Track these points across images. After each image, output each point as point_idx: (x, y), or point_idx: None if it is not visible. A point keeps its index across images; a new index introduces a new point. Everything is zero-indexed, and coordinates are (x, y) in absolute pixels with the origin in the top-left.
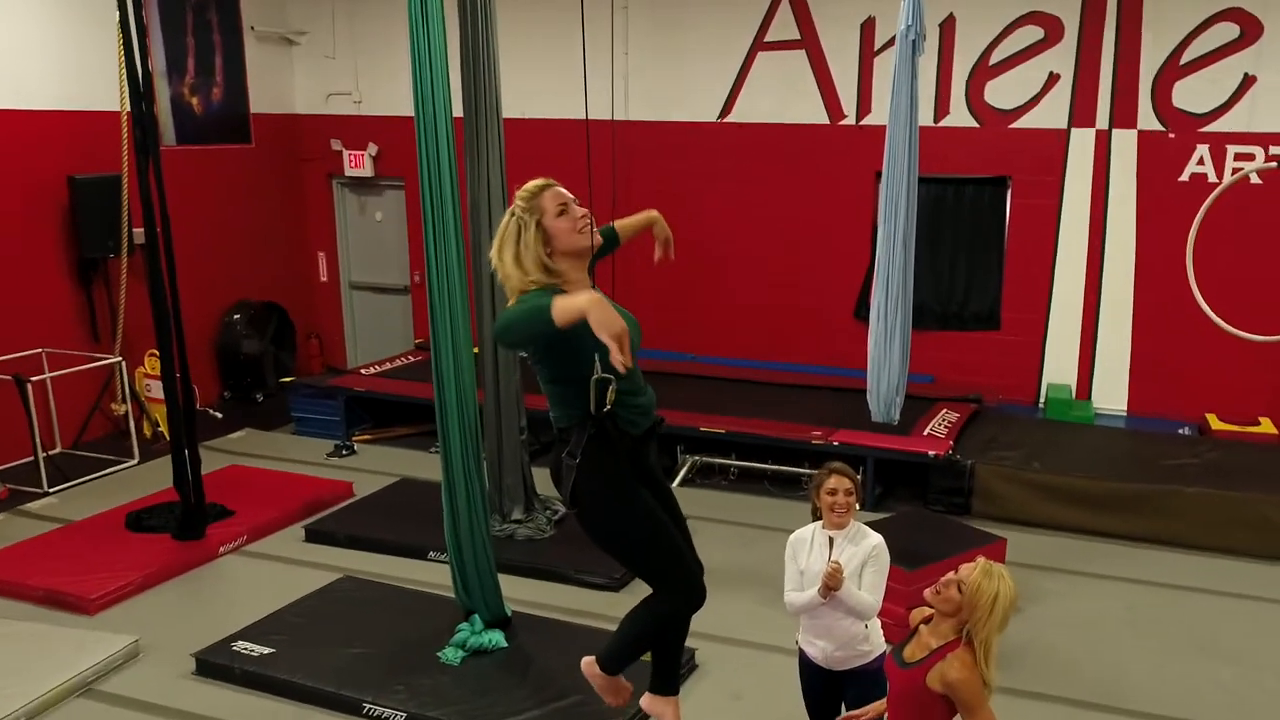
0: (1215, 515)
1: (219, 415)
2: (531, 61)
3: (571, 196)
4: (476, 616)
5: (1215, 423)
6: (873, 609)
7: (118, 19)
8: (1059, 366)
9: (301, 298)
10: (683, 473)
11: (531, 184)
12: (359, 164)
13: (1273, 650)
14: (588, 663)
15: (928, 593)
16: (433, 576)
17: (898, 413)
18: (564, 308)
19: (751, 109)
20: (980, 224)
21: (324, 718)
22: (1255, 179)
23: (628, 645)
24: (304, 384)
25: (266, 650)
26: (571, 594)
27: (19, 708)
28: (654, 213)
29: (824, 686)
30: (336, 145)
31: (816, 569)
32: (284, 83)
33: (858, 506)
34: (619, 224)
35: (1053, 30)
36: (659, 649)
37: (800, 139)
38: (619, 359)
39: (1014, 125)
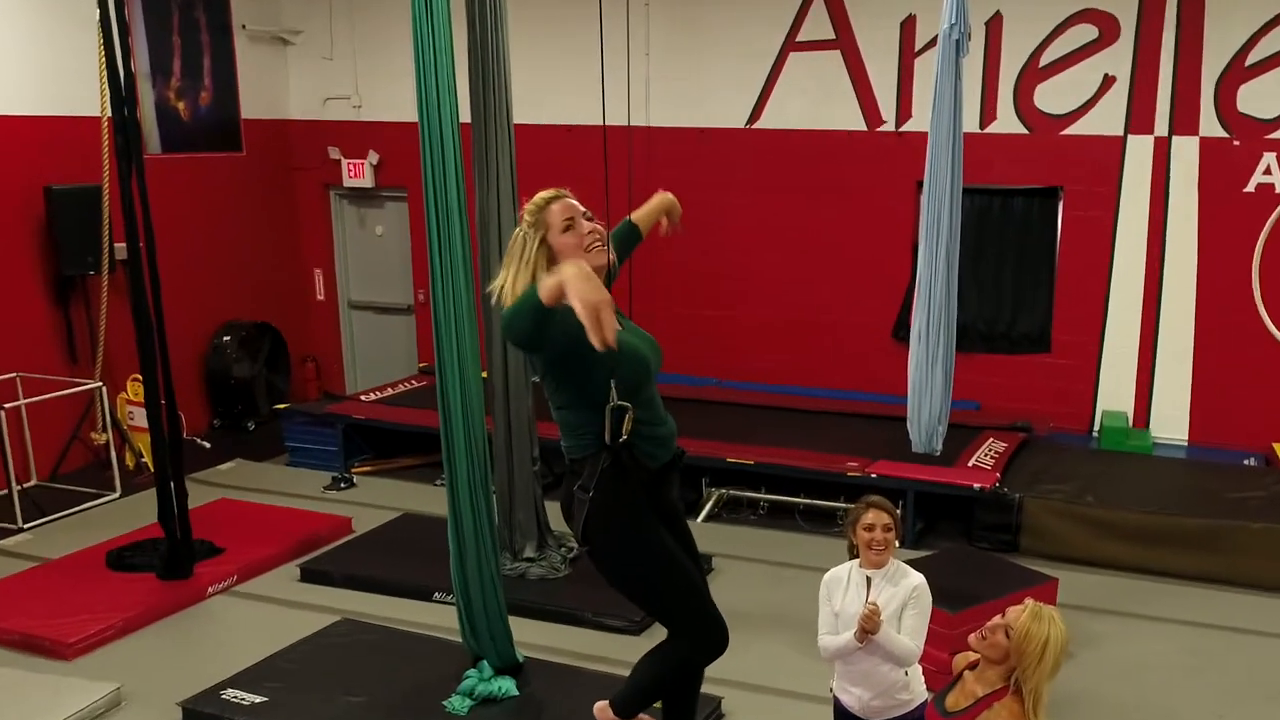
0: None
1: (207, 445)
2: (545, 62)
3: (582, 209)
4: (485, 662)
5: None
6: (913, 654)
7: (98, 17)
8: (1114, 392)
9: (296, 318)
10: (708, 507)
11: (540, 195)
12: (358, 173)
13: None
14: (600, 708)
15: (973, 638)
16: (438, 619)
17: (940, 442)
18: (548, 284)
19: (782, 114)
20: (1029, 238)
21: None
22: None
23: (642, 691)
24: (299, 411)
25: (258, 699)
26: (588, 638)
27: None
28: (668, 195)
29: None
30: (334, 153)
31: (852, 611)
32: (278, 86)
33: (897, 544)
34: (635, 215)
35: (1108, 29)
36: (673, 699)
37: (835, 146)
38: (596, 335)
39: (1066, 132)
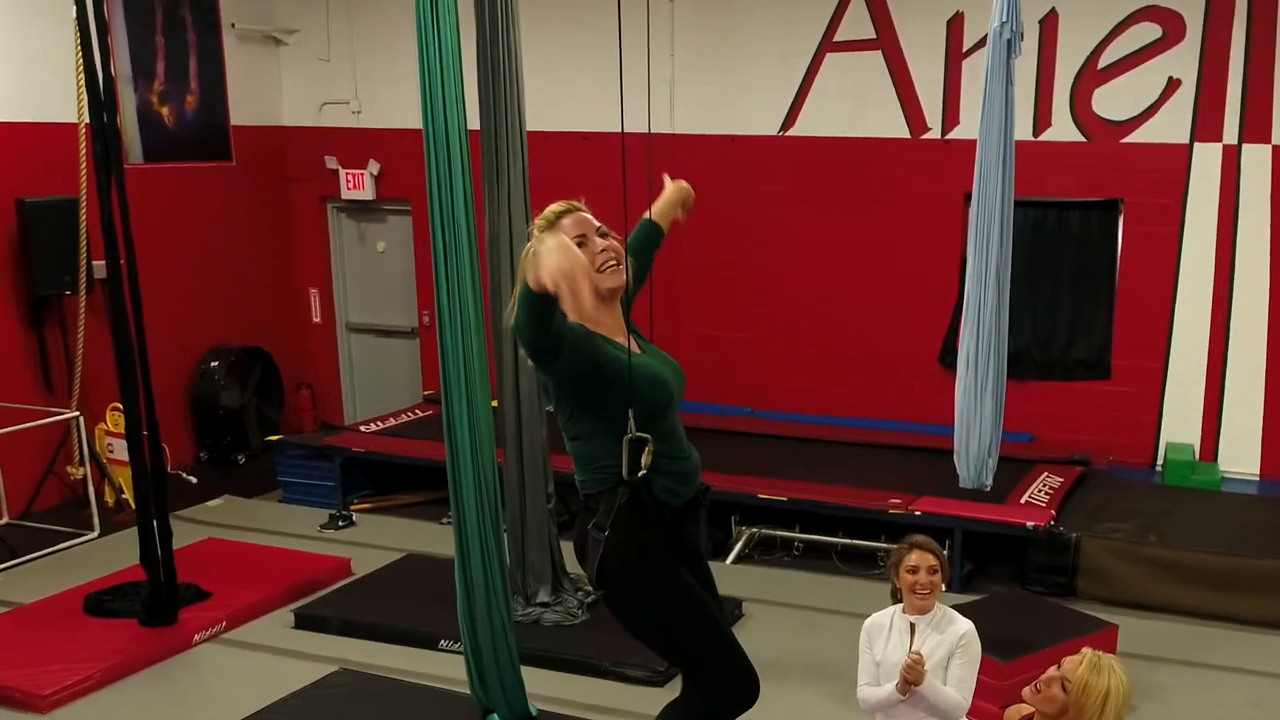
0: None
1: (193, 480)
2: (560, 64)
3: (596, 224)
4: (495, 716)
5: None
6: (960, 708)
7: (74, 15)
8: (1180, 423)
9: (290, 342)
10: (738, 547)
11: (551, 208)
12: (358, 185)
13: None
14: None
15: (1027, 691)
16: (444, 669)
17: (990, 477)
18: (531, 269)
19: (818, 120)
20: (1087, 255)
21: None
22: None
23: None
24: (293, 443)
25: None
26: (606, 689)
27: None
28: (682, 184)
29: None
30: (332, 163)
31: (895, 660)
32: (270, 89)
33: (943, 587)
34: (655, 211)
35: (1173, 28)
36: None
37: (876, 155)
38: (569, 305)
39: (1127, 140)
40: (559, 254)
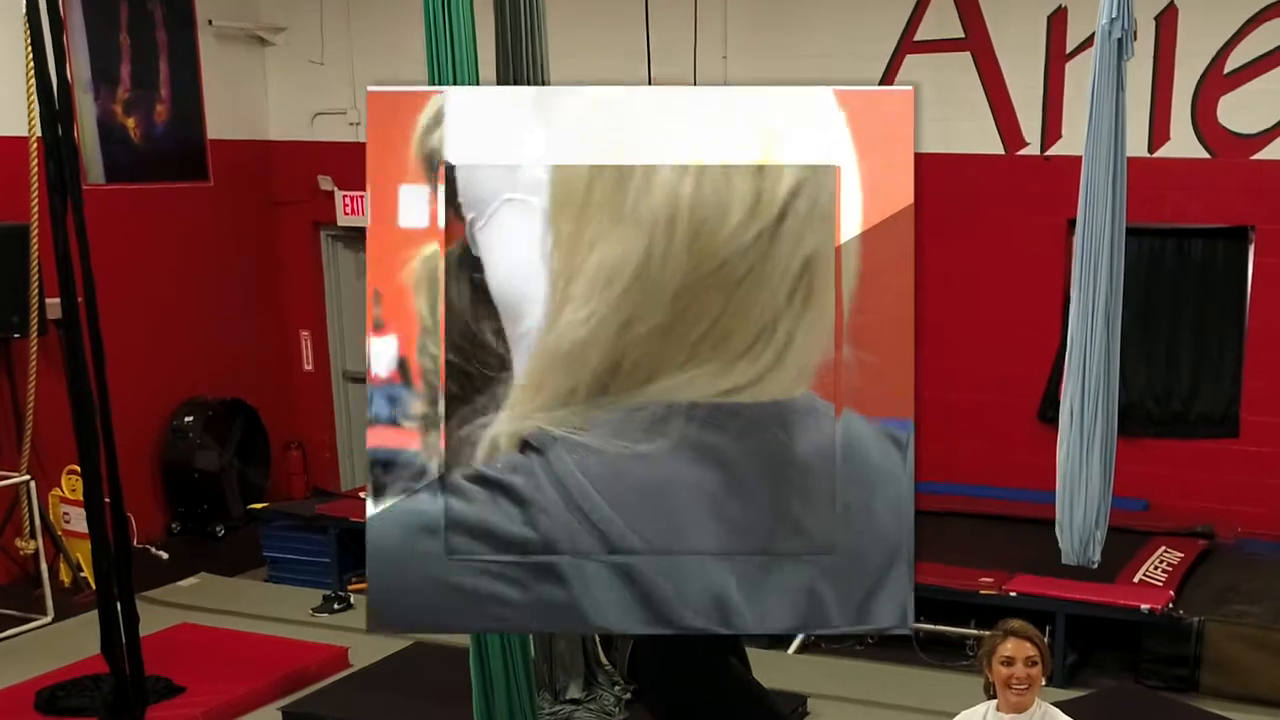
0: None
1: (164, 555)
2: (598, 69)
3: None
4: None
5: None
6: None
7: (24, 10)
8: None
9: (278, 393)
10: (802, 634)
11: None
12: (357, 209)
13: None
14: None
15: None
16: None
17: (1098, 552)
18: None
19: None
20: (1211, 291)
21: None
22: None
23: None
24: (281, 512)
25: None
26: None
27: None
28: None
29: None
30: (326, 183)
31: None
32: (254, 97)
33: (1044, 681)
34: None
35: None
36: None
37: (964, 174)
38: None
39: (1258, 156)
40: None
